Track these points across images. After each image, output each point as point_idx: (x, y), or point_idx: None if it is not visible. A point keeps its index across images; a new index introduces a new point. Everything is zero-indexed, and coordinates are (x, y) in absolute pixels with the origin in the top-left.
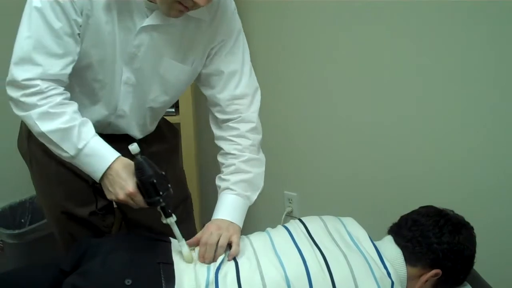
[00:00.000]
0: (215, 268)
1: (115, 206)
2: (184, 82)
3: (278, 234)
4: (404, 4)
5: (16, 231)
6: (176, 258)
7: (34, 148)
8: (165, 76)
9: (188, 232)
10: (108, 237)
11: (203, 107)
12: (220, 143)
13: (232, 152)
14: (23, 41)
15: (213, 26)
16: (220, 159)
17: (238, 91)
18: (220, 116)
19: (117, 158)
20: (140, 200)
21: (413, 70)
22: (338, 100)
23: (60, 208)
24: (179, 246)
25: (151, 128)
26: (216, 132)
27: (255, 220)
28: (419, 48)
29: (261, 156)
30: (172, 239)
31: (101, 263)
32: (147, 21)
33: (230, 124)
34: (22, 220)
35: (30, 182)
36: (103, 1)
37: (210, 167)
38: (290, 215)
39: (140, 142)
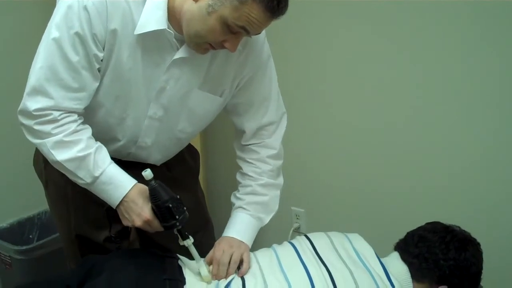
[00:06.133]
0: (224, 286)
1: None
2: (213, 113)
3: (284, 250)
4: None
5: (24, 247)
6: (187, 276)
7: (51, 170)
8: (194, 107)
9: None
10: (114, 253)
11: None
12: (240, 163)
13: (250, 174)
14: (38, 71)
15: (242, 56)
16: (238, 177)
17: (265, 119)
18: (244, 142)
19: (133, 186)
20: (156, 225)
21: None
22: (346, 116)
23: (75, 231)
24: (196, 267)
25: (173, 155)
26: (238, 152)
27: (262, 235)
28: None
29: (279, 180)
30: (181, 257)
31: (107, 279)
32: (178, 54)
33: (252, 147)
34: (30, 236)
35: (38, 198)
36: (129, 36)
37: (215, 179)
38: (297, 231)
39: (160, 166)
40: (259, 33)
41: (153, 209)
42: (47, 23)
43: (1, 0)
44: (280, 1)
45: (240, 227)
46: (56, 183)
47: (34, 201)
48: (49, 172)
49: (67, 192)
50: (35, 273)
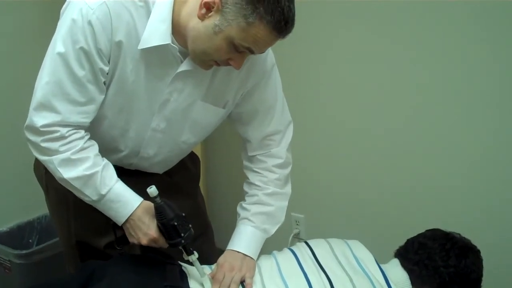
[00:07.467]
0: None
1: None
2: (215, 123)
3: (284, 257)
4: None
5: (24, 251)
6: (192, 285)
7: (51, 175)
8: (197, 119)
9: (210, 263)
10: (115, 259)
11: None
12: (247, 173)
13: (257, 183)
14: (44, 86)
15: (245, 68)
16: (245, 187)
17: (271, 128)
18: (250, 152)
19: (140, 204)
20: (162, 242)
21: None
22: (345, 122)
23: (76, 237)
24: (200, 279)
25: (175, 163)
26: (245, 162)
27: None
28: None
29: (287, 189)
30: (183, 264)
31: (108, 285)
32: (182, 67)
33: (258, 156)
34: (30, 240)
35: (38, 202)
36: (132, 49)
37: (216, 184)
38: (297, 237)
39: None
40: (264, 52)
41: (158, 227)
42: (47, 23)
43: (1, 0)
44: (287, 21)
45: (244, 240)
46: (56, 189)
47: (34, 205)
48: (49, 178)
49: (68, 198)
50: (34, 277)
